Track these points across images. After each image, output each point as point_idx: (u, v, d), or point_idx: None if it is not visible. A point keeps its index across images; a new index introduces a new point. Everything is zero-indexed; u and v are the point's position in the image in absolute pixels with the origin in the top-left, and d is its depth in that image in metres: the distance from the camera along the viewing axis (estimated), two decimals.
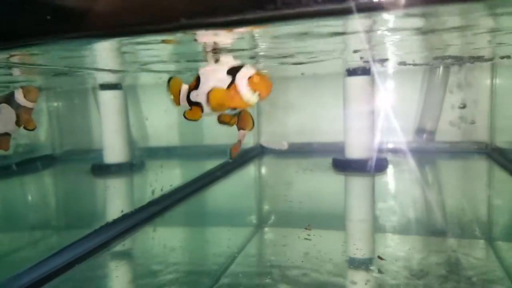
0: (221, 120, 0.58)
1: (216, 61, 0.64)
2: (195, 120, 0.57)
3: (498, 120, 1.22)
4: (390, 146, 1.28)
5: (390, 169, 1.10)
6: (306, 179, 1.09)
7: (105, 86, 1.12)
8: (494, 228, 0.73)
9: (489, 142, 1.25)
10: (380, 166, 1.08)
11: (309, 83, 1.39)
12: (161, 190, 0.83)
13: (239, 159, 1.31)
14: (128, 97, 1.46)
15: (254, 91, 0.51)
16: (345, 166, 1.11)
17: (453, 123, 1.27)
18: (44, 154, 1.38)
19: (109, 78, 1.07)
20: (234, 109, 0.55)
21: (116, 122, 1.12)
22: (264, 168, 1.35)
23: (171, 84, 0.58)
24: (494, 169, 1.13)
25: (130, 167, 1.13)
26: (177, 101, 0.58)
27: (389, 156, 1.20)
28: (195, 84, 0.56)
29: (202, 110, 0.56)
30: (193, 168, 1.34)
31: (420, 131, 1.30)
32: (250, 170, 1.28)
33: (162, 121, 1.45)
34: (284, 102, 1.44)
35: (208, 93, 0.54)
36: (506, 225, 0.74)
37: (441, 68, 1.24)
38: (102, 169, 1.13)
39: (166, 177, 1.07)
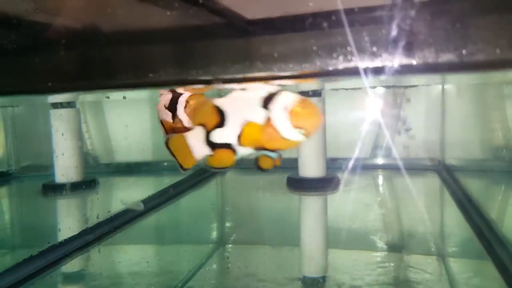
0: (260, 166, 0.44)
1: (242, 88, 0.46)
2: (225, 168, 0.44)
3: (447, 137, 1.26)
4: (346, 163, 1.30)
5: (342, 188, 1.12)
6: (261, 197, 1.12)
7: (57, 105, 1.11)
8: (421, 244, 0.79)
9: (440, 159, 1.29)
10: (333, 185, 1.10)
11: None
12: (97, 217, 0.83)
13: (200, 175, 1.32)
14: (91, 112, 1.45)
15: (296, 127, 0.38)
16: (298, 185, 1.12)
17: (406, 141, 1.31)
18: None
19: (61, 97, 1.06)
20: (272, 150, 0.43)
21: (67, 141, 1.11)
22: (223, 185, 1.36)
23: (174, 145, 0.44)
24: (438, 188, 1.16)
25: (82, 187, 1.12)
26: (190, 160, 0.44)
27: (346, 173, 1.22)
28: (219, 121, 0.42)
29: (235, 153, 0.43)
30: (151, 185, 1.34)
31: (376, 147, 1.33)
32: (210, 187, 1.29)
33: (124, 136, 1.45)
34: None
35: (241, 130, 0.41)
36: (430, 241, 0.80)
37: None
38: (52, 189, 1.12)
39: (112, 199, 1.08)
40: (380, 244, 0.78)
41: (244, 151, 0.43)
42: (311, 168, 1.11)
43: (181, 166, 0.44)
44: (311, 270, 0.72)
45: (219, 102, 0.43)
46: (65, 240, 0.72)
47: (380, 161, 1.33)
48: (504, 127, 1.18)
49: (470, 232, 0.80)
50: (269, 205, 1.09)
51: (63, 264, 0.69)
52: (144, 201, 0.97)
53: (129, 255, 0.78)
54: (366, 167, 1.32)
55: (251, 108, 0.40)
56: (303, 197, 1.09)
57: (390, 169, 1.31)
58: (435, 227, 0.89)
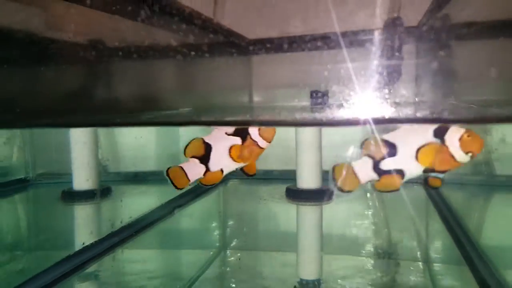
0: (430, 185, 0.55)
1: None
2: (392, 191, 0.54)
3: None
4: None
5: (336, 199, 1.22)
6: (261, 206, 1.21)
7: None
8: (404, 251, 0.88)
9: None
10: (327, 196, 1.20)
11: None
12: (120, 222, 0.92)
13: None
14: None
15: (467, 152, 0.49)
16: (296, 195, 1.22)
17: None
18: (18, 177, 1.44)
19: None
20: (442, 172, 0.52)
21: (86, 151, 1.20)
22: (226, 195, 1.46)
23: (338, 171, 0.55)
24: (423, 200, 1.27)
25: (99, 194, 1.21)
26: (353, 184, 0.54)
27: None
28: (388, 151, 0.53)
29: (403, 177, 0.53)
30: (161, 193, 1.43)
31: None
32: (214, 196, 1.39)
33: (132, 147, 1.54)
34: None
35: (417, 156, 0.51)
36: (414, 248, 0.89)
37: None
38: (71, 196, 1.21)
39: (131, 205, 1.17)
40: (370, 250, 0.87)
41: (412, 174, 0.53)
42: (308, 180, 1.21)
43: (341, 189, 0.55)
44: (308, 273, 0.80)
45: (388, 136, 0.54)
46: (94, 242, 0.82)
47: None
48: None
49: (450, 240, 0.88)
50: (268, 213, 1.19)
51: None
52: (158, 209, 1.07)
53: (147, 257, 0.87)
54: None
55: (423, 139, 0.51)
56: (300, 206, 1.19)
57: None
58: (419, 235, 0.98)
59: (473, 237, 0.85)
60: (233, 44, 0.66)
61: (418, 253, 0.86)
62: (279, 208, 1.21)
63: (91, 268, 0.78)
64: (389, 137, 0.54)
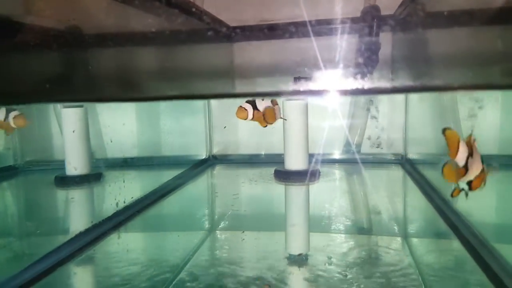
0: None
1: None
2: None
3: (409, 135, 1.47)
4: (323, 158, 1.49)
5: (322, 179, 1.29)
6: (251, 187, 1.26)
7: (67, 105, 1.22)
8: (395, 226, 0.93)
9: (404, 154, 1.49)
10: (314, 176, 1.27)
11: None
12: (124, 202, 0.96)
13: (194, 170, 1.46)
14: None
15: None
16: (284, 176, 1.28)
17: (372, 139, 1.50)
18: (6, 165, 1.45)
19: None
20: None
21: (78, 138, 1.22)
22: (215, 178, 1.51)
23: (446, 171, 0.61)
24: (403, 178, 1.37)
25: (90, 179, 1.23)
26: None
27: (322, 167, 1.39)
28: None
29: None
30: (150, 179, 1.46)
31: (348, 144, 1.51)
32: (203, 180, 1.44)
33: (119, 133, 1.55)
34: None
35: None
36: (403, 223, 0.96)
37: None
38: (64, 181, 1.23)
39: (126, 189, 1.19)
40: (354, 225, 0.91)
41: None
42: (295, 161, 1.27)
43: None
44: (295, 248, 0.84)
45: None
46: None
47: (352, 156, 1.52)
48: (456, 127, 1.38)
49: (431, 210, 0.96)
50: (259, 193, 1.24)
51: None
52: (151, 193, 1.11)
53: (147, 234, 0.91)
54: (341, 161, 1.51)
55: None
56: (288, 186, 1.25)
57: (361, 163, 1.50)
58: (400, 208, 1.05)
59: (452, 206, 0.92)
60: (215, 30, 0.68)
61: (399, 227, 0.91)
62: (270, 188, 1.26)
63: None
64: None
